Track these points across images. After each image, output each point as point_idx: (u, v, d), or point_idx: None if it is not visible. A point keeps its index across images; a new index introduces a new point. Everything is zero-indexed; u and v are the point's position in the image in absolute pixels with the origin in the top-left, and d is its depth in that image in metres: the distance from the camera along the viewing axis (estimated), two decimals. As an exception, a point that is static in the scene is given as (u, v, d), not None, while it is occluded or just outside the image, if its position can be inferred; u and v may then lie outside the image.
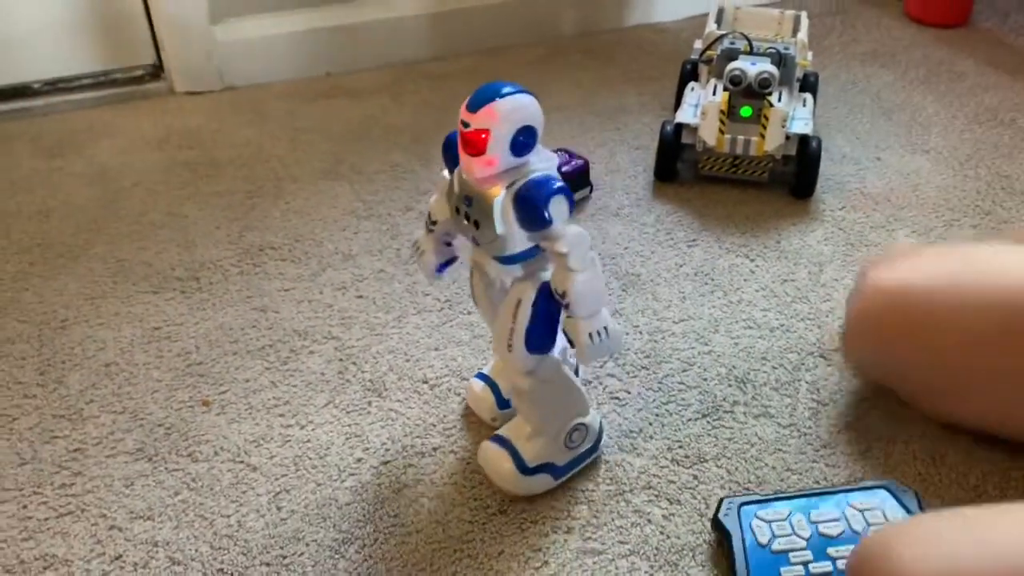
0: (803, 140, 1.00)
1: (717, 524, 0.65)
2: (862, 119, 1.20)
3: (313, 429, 0.75)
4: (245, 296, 0.91)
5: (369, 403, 0.78)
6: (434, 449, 0.74)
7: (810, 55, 1.11)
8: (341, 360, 0.82)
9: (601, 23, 1.45)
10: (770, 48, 1.03)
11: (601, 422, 0.72)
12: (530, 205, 0.57)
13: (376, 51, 1.35)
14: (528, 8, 1.40)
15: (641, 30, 1.45)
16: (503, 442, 0.68)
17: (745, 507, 0.65)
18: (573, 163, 1.03)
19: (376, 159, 1.13)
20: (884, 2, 1.52)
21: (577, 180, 1.04)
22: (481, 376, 0.76)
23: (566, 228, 0.58)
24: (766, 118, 0.99)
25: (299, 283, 0.92)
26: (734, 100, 1.00)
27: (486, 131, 0.56)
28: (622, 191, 1.06)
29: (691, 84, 1.09)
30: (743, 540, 0.63)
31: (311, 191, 1.07)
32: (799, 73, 1.06)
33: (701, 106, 1.01)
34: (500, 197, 0.57)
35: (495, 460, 0.68)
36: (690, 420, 0.76)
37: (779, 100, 0.99)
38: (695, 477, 0.71)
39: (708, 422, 0.76)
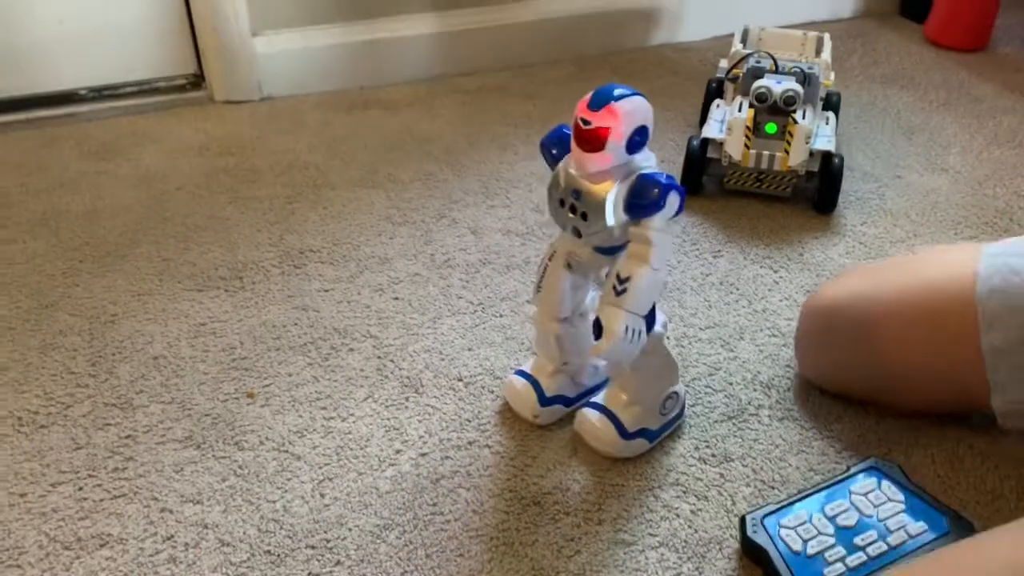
0: (826, 157, 1.04)
1: (748, 544, 0.66)
2: (882, 138, 1.23)
3: (354, 422, 0.79)
4: (287, 295, 0.94)
5: (407, 399, 0.81)
6: (469, 443, 0.77)
7: (833, 75, 1.15)
8: (379, 358, 0.86)
9: (627, 42, 1.50)
10: (795, 67, 1.07)
11: (685, 391, 0.77)
12: (651, 186, 0.61)
13: (408, 66, 1.40)
14: (555, 27, 1.45)
15: (665, 49, 1.49)
16: (603, 410, 0.73)
17: (767, 519, 0.67)
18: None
19: (410, 168, 1.17)
20: (905, 26, 1.56)
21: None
22: (521, 374, 0.78)
23: (663, 224, 0.63)
24: (790, 134, 1.02)
25: (338, 284, 0.96)
26: (760, 117, 1.03)
27: (607, 129, 0.60)
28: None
29: (717, 101, 1.12)
30: (780, 553, 0.65)
31: (348, 198, 1.11)
32: (822, 92, 1.10)
33: (727, 122, 1.05)
34: (613, 191, 0.62)
35: (597, 426, 0.73)
36: (716, 422, 0.79)
37: (803, 118, 1.03)
38: (721, 475, 0.74)
39: (734, 424, 0.79)
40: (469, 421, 0.79)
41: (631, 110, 0.60)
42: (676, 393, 0.75)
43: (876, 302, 0.76)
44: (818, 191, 1.05)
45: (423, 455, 0.75)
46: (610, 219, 0.62)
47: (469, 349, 0.87)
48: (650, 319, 0.68)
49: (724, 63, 1.18)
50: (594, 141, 0.60)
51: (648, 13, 1.49)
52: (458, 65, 1.42)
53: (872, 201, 1.09)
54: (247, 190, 1.12)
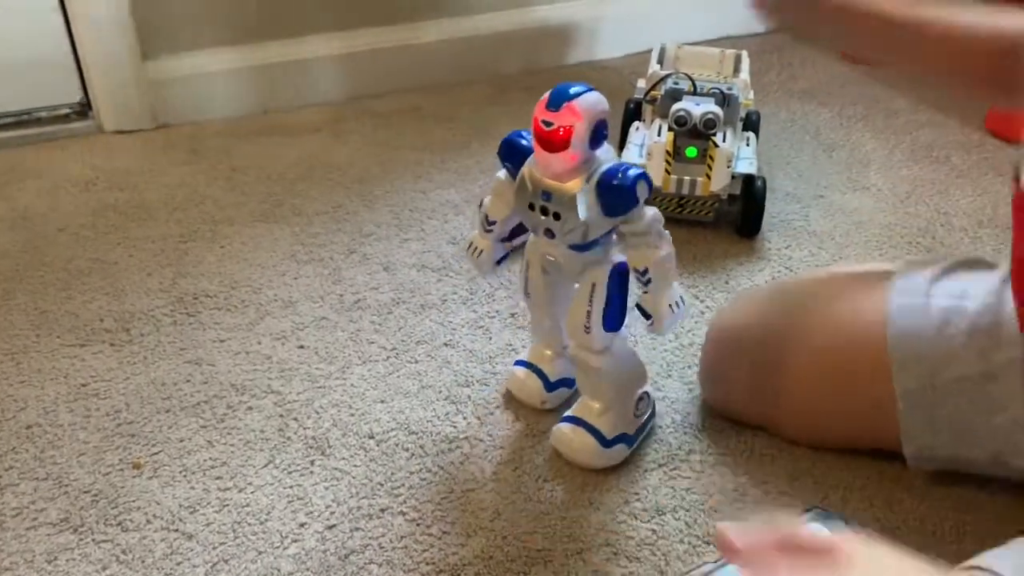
0: (748, 179, 1.01)
1: None
2: (803, 157, 1.21)
3: (252, 492, 0.71)
4: (178, 348, 0.86)
5: (312, 462, 0.74)
6: (382, 511, 0.70)
7: (752, 94, 1.12)
8: (281, 416, 0.79)
9: (544, 61, 1.45)
10: (713, 88, 1.03)
11: (652, 391, 0.77)
12: (620, 190, 0.62)
13: (316, 88, 1.32)
14: (471, 46, 1.39)
15: (583, 68, 1.45)
16: (578, 422, 0.73)
17: None
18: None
19: (317, 200, 1.10)
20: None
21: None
22: (523, 363, 0.79)
23: (645, 209, 0.64)
24: (711, 158, 0.99)
25: (236, 333, 0.88)
26: (679, 141, 1.00)
27: (570, 128, 0.60)
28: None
29: (635, 124, 1.09)
30: None
31: (248, 235, 1.03)
32: (742, 112, 1.07)
33: (646, 146, 1.01)
34: (584, 187, 0.62)
35: (576, 439, 0.72)
36: (647, 470, 0.74)
37: (724, 140, 1.00)
38: (654, 532, 0.69)
39: (665, 472, 0.74)
40: (381, 485, 0.72)
41: (591, 105, 0.61)
42: (646, 394, 0.75)
43: (784, 336, 0.73)
44: (741, 215, 1.02)
45: (330, 527, 0.69)
46: (583, 213, 0.62)
47: (381, 401, 0.81)
48: (622, 320, 0.69)
49: (642, 83, 1.14)
50: (558, 141, 0.61)
51: (564, 31, 1.45)
52: (369, 87, 1.35)
53: (796, 223, 1.07)
54: (137, 229, 1.03)
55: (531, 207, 0.65)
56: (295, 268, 0.98)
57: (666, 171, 0.99)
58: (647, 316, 0.68)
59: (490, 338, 0.88)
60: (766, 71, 1.43)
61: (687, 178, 0.99)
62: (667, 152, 0.99)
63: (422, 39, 1.36)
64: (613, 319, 0.68)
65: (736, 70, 1.14)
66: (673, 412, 0.80)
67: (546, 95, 0.61)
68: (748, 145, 1.05)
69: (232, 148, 1.21)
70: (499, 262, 0.76)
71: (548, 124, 0.60)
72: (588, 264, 0.67)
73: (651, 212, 0.65)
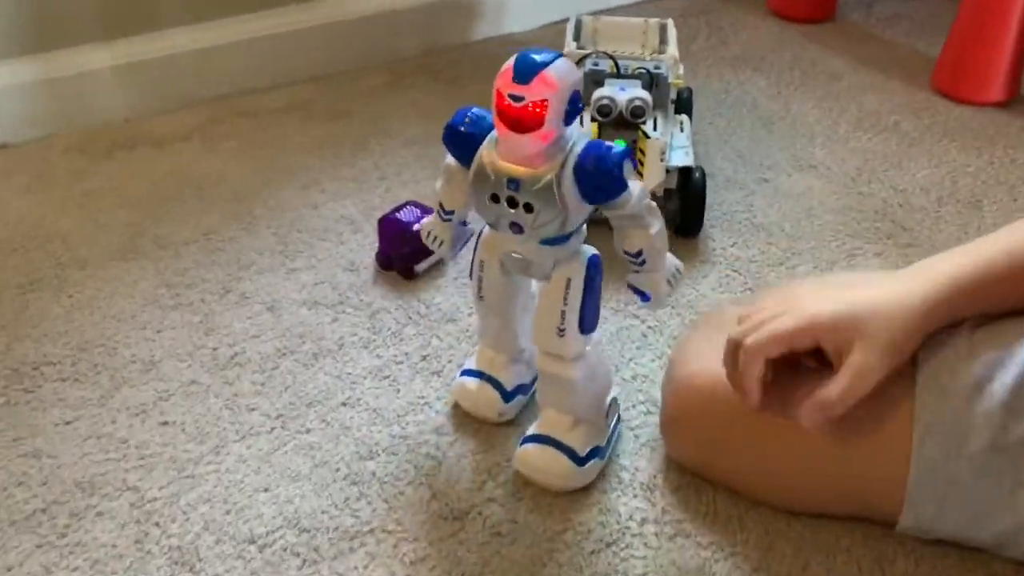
0: (685, 172, 0.87)
1: None
2: (741, 133, 1.08)
3: (99, 637, 0.56)
4: (11, 438, 0.70)
5: (178, 584, 0.59)
6: (267, 645, 0.56)
7: (682, 69, 0.98)
8: (139, 522, 0.63)
9: (446, 39, 1.29)
10: (640, 69, 0.89)
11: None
12: (606, 175, 0.54)
13: (184, 87, 1.14)
14: (362, 28, 1.22)
15: (491, 44, 1.30)
16: (548, 440, 0.64)
17: None
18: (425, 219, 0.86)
19: (186, 226, 0.93)
20: (748, 0, 1.42)
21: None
22: (471, 373, 0.70)
23: (633, 186, 0.56)
24: (642, 152, 0.85)
25: (84, 411, 0.72)
26: (604, 133, 0.86)
27: (544, 102, 0.52)
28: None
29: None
30: None
31: (103, 277, 0.86)
32: (672, 93, 0.93)
33: (567, 141, 0.87)
34: (563, 171, 0.54)
35: (548, 461, 0.64)
36: (592, 552, 0.61)
37: (654, 129, 0.86)
38: (606, 638, 0.56)
39: (614, 552, 0.61)
40: (265, 609, 0.58)
41: (565, 74, 0.53)
42: (614, 398, 0.68)
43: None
44: (679, 213, 0.89)
45: None
46: (563, 203, 0.54)
47: (265, 490, 0.66)
48: (597, 320, 0.62)
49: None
50: (530, 119, 0.52)
51: (469, 4, 1.29)
52: (246, 82, 1.18)
53: (740, 215, 0.94)
54: (-37, 282, 0.86)
55: (494, 199, 0.56)
56: (158, 317, 0.81)
57: (591, 170, 0.85)
58: (642, 295, 0.60)
59: (398, 390, 0.74)
60: (693, 38, 1.30)
61: (616, 176, 0.85)
62: (591, 147, 0.85)
63: (304, 23, 1.19)
64: (591, 319, 0.61)
65: (662, 41, 1.00)
66: (620, 470, 0.67)
67: (508, 65, 0.53)
68: (682, 131, 0.91)
69: (85, 168, 1.03)
70: (462, 245, 0.68)
71: (518, 99, 0.52)
72: (560, 259, 0.59)
73: (637, 190, 0.56)
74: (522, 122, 0.53)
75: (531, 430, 0.66)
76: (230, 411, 0.72)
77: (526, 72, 0.52)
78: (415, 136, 1.08)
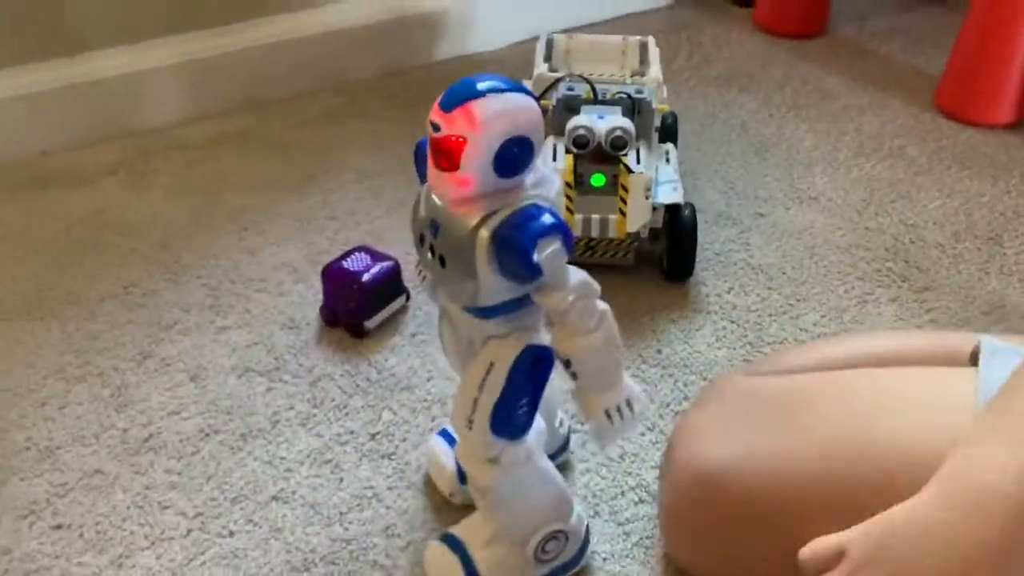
0: (673, 209, 0.77)
1: None
2: (732, 162, 0.98)
3: None
4: None
5: None
6: None
7: (665, 93, 0.88)
8: (13, 666, 0.51)
9: (407, 60, 1.18)
10: (620, 93, 0.79)
11: (587, 527, 0.56)
12: (512, 249, 0.43)
13: (107, 116, 1.02)
14: (309, 48, 1.11)
15: (455, 64, 1.19)
16: (455, 544, 0.53)
17: None
18: (378, 267, 0.75)
19: (103, 279, 0.81)
20: (731, 13, 1.33)
21: (386, 288, 0.76)
22: (446, 434, 0.61)
23: (565, 276, 0.44)
24: (624, 188, 0.74)
25: (-40, 514, 0.60)
26: (581, 166, 0.75)
27: (460, 140, 0.42)
28: (447, 295, 0.79)
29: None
30: None
31: (1, 341, 0.74)
32: (656, 120, 0.83)
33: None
34: (478, 233, 0.43)
35: (441, 567, 0.53)
36: None
37: (638, 162, 0.75)
38: None
39: None
40: None
41: (500, 112, 0.42)
42: (562, 532, 0.53)
43: (787, 477, 0.49)
44: (668, 255, 0.78)
45: None
46: (473, 270, 0.44)
47: (175, 615, 0.54)
48: (520, 425, 0.49)
49: (527, 87, 0.89)
50: (444, 155, 0.43)
51: (431, 21, 1.18)
52: (179, 111, 1.06)
53: (735, 255, 0.84)
54: None
55: (421, 240, 0.47)
56: (62, 391, 0.69)
57: (568, 209, 0.74)
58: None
59: (341, 479, 0.62)
60: (673, 56, 1.20)
61: (596, 216, 0.74)
62: (566, 184, 0.74)
63: (246, 43, 1.07)
64: (504, 421, 0.48)
65: (643, 62, 0.90)
66: (599, 570, 0.56)
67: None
68: (668, 163, 0.81)
69: (-9, 210, 0.90)
70: None
71: (436, 128, 0.43)
72: (494, 336, 0.48)
73: (575, 281, 0.45)
74: (439, 156, 0.43)
75: (454, 527, 0.54)
76: (139, 509, 0.60)
77: (453, 99, 0.42)
78: (369, 169, 0.97)
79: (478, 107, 0.42)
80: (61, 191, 0.93)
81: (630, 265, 0.80)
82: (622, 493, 0.61)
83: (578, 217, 0.75)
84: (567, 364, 0.46)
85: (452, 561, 0.52)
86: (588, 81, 0.80)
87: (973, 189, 0.93)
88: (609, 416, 0.47)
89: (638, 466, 0.63)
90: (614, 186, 0.75)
